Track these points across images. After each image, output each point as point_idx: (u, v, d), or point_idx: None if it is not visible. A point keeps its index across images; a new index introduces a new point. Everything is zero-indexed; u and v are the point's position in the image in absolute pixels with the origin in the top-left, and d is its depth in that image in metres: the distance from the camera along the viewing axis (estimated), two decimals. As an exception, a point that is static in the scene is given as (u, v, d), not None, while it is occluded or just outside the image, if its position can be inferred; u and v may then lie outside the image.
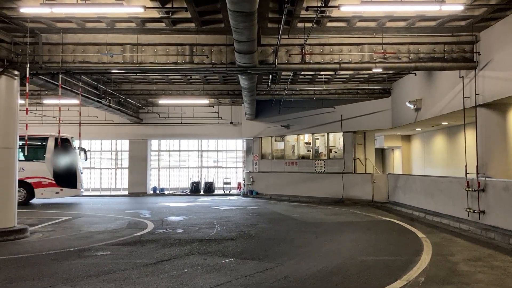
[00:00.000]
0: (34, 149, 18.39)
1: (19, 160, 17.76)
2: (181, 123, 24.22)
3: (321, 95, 19.52)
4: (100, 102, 17.61)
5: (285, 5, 8.43)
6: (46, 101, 19.53)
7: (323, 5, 8.96)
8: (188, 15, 9.92)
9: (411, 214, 13.95)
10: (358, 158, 20.60)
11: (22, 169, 17.52)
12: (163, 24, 10.64)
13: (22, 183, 17.51)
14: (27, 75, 10.54)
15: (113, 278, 6.32)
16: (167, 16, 9.96)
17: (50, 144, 18.65)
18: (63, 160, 18.47)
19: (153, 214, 14.58)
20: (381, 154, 29.08)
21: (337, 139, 21.72)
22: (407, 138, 25.49)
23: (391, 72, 16.27)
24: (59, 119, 11.78)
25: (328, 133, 21.58)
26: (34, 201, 18.70)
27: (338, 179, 19.48)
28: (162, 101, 21.01)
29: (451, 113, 13.46)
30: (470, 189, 10.97)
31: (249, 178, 23.42)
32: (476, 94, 11.42)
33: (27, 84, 10.54)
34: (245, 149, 25.47)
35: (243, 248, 8.72)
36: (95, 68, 11.72)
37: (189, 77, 17.16)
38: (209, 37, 11.29)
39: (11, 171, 10.56)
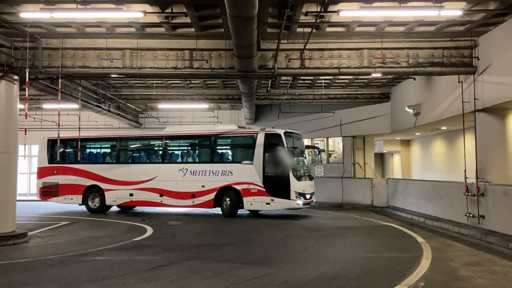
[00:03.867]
0: (242, 148, 15.58)
1: (227, 162, 15.51)
2: (180, 127, 24.23)
3: (320, 100, 19.56)
4: (100, 107, 17.63)
5: (285, 10, 8.46)
6: (46, 106, 19.55)
7: (322, 10, 8.99)
8: (187, 20, 9.95)
9: (410, 218, 13.93)
10: (357, 163, 20.61)
11: (230, 172, 14.94)
12: (162, 29, 10.67)
13: (229, 190, 14.86)
14: (27, 80, 10.55)
15: (111, 283, 6.29)
16: (167, 21, 9.99)
17: (260, 141, 14.65)
18: (275, 162, 14.39)
19: (152, 219, 14.55)
20: (381, 159, 29.09)
21: (336, 144, 21.74)
22: (407, 143, 25.50)
23: (390, 77, 16.31)
24: (59, 123, 11.78)
25: (327, 138, 21.60)
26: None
27: (338, 184, 19.47)
28: (161, 106, 21.05)
29: (450, 118, 13.48)
30: (470, 194, 10.96)
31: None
32: (475, 99, 11.45)
33: (27, 88, 10.55)
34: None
35: (242, 253, 8.70)
36: (95, 73, 11.74)
37: (188, 81, 17.18)
38: (208, 42, 11.32)
39: (10, 175, 10.53)
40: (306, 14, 9.39)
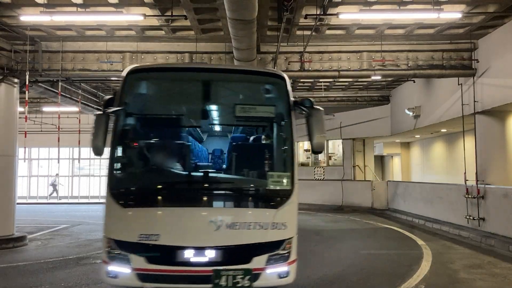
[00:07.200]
0: None
1: None
2: (180, 130, 24.18)
3: (320, 102, 19.51)
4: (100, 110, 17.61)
5: (284, 13, 8.46)
6: (46, 109, 19.52)
7: (322, 13, 9.01)
8: (187, 23, 9.96)
9: (410, 221, 13.92)
10: (357, 165, 20.59)
11: None
12: (162, 32, 10.68)
13: None
14: (27, 83, 10.56)
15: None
16: (167, 24, 10.00)
17: None
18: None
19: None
20: (381, 161, 29.05)
21: (336, 146, 21.72)
22: (406, 145, 25.49)
23: (390, 79, 16.32)
24: (59, 126, 11.78)
25: (327, 140, 21.57)
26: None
27: (338, 186, 19.44)
28: (161, 109, 21.01)
29: (450, 120, 13.48)
30: (470, 196, 10.95)
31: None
32: (474, 101, 11.45)
33: (27, 91, 10.55)
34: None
35: (242, 255, 8.67)
36: (95, 76, 11.75)
37: (188, 84, 17.18)
38: (208, 44, 11.33)
39: (10, 178, 10.53)
40: (306, 17, 9.40)
